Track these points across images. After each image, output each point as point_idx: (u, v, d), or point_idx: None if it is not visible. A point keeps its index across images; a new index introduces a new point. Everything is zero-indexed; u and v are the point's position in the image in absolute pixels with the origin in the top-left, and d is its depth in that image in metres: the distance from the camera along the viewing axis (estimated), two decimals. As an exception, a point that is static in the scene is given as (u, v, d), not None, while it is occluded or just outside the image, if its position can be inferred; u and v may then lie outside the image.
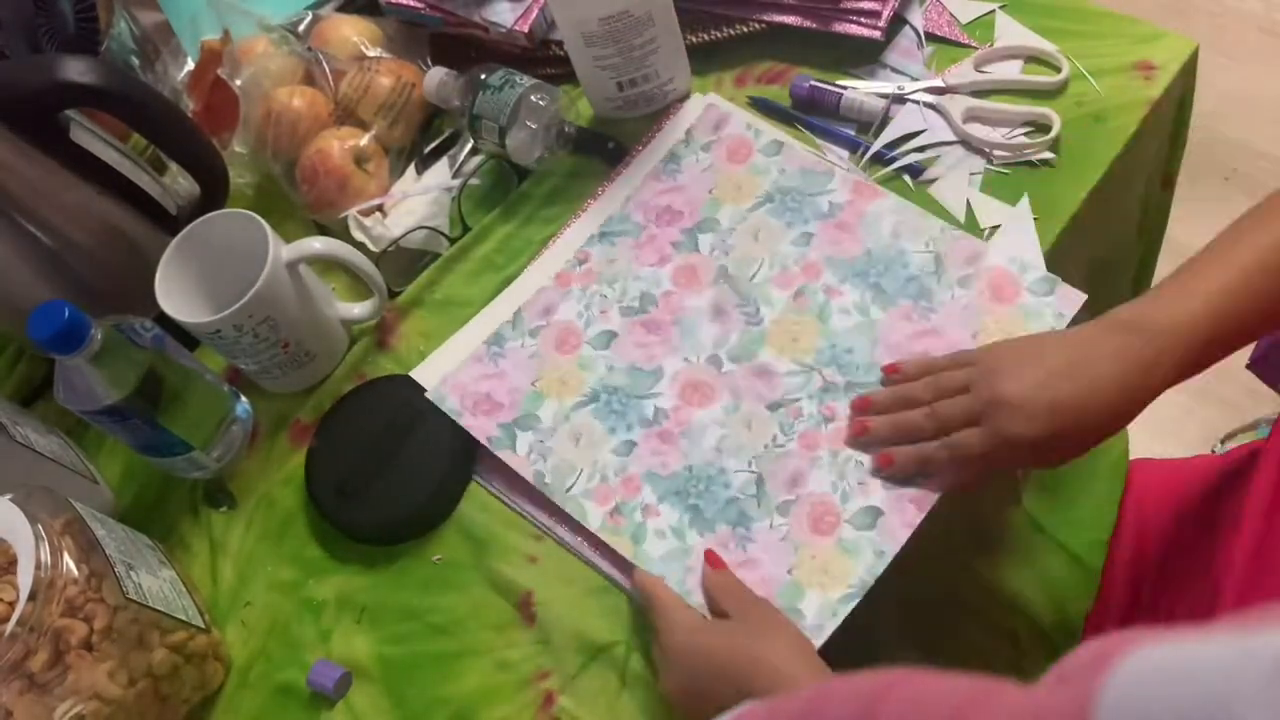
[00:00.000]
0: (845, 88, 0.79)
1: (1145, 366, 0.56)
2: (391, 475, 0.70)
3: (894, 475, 0.63)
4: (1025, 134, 0.76)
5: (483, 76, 0.79)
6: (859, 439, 0.65)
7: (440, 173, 0.84)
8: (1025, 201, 0.73)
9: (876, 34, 0.79)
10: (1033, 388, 0.57)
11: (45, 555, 0.57)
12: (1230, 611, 0.57)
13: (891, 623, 0.56)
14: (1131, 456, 0.84)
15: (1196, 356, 0.57)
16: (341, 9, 0.92)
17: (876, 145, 0.77)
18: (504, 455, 0.69)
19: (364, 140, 0.81)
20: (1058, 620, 0.76)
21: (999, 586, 0.76)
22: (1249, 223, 0.60)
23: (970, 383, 0.61)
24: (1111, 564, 0.77)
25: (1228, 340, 0.58)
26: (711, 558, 0.63)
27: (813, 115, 0.80)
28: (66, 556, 0.58)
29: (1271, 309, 0.58)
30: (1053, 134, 0.74)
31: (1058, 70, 0.77)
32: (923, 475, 0.63)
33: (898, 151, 0.76)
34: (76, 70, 0.68)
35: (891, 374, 0.66)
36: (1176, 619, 0.68)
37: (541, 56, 0.87)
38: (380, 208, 0.81)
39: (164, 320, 0.69)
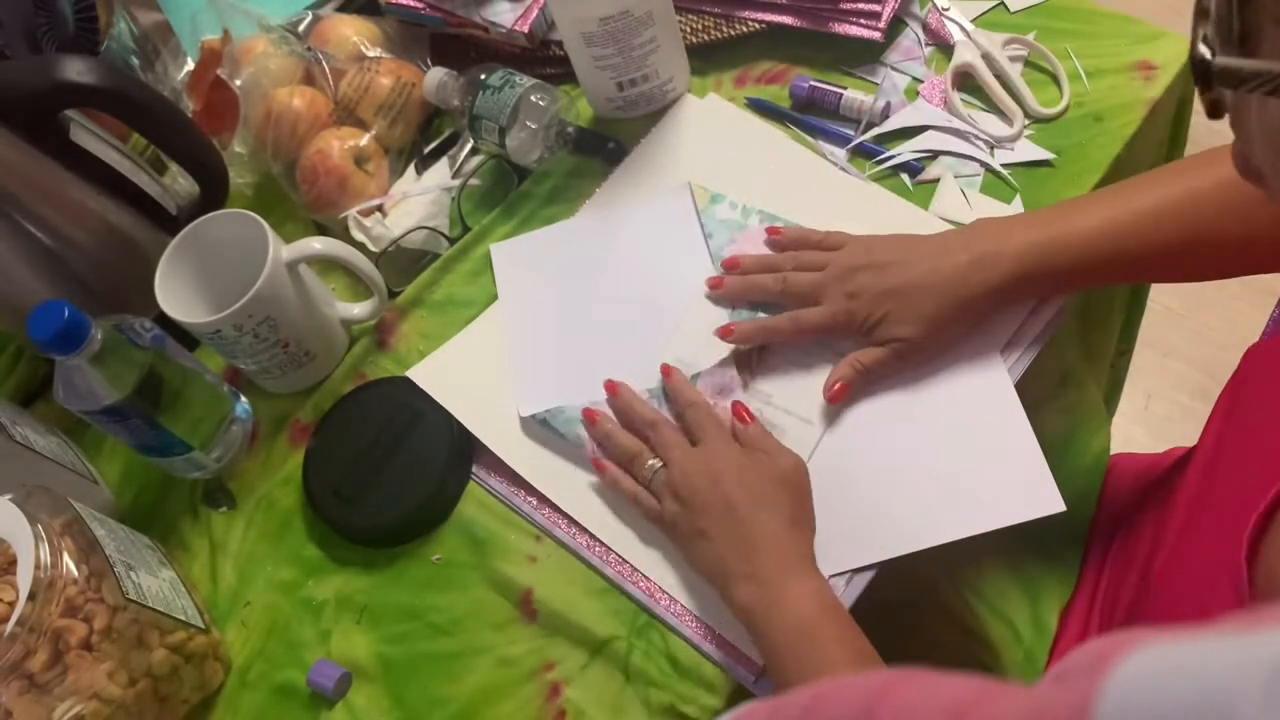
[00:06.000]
0: (845, 88, 0.79)
1: (986, 287, 0.63)
2: (390, 477, 0.70)
3: (737, 342, 0.68)
4: (1025, 134, 0.76)
5: (483, 76, 0.79)
6: (717, 292, 0.71)
7: (440, 173, 0.84)
8: (1018, 201, 0.73)
9: (876, 35, 0.79)
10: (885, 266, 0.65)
11: (45, 555, 0.57)
12: (1157, 594, 0.58)
13: (861, 622, 0.56)
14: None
15: (1047, 284, 0.64)
16: (341, 9, 0.92)
17: (861, 138, 0.77)
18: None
19: (364, 140, 0.81)
20: (1033, 618, 0.76)
21: (975, 585, 0.76)
22: (1166, 173, 0.64)
23: (828, 263, 0.67)
24: (1088, 558, 0.77)
25: (1083, 276, 0.64)
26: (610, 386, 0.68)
27: (812, 115, 0.80)
28: (66, 557, 0.58)
29: (1137, 259, 0.62)
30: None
31: (1056, 71, 0.77)
32: (764, 342, 0.69)
33: (897, 149, 0.76)
34: (76, 70, 0.68)
35: (772, 235, 0.72)
36: (1119, 604, 0.69)
37: (541, 56, 0.87)
38: (380, 208, 0.81)
39: (164, 320, 0.69)
